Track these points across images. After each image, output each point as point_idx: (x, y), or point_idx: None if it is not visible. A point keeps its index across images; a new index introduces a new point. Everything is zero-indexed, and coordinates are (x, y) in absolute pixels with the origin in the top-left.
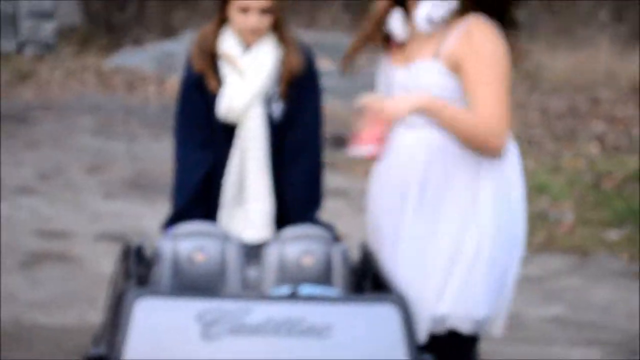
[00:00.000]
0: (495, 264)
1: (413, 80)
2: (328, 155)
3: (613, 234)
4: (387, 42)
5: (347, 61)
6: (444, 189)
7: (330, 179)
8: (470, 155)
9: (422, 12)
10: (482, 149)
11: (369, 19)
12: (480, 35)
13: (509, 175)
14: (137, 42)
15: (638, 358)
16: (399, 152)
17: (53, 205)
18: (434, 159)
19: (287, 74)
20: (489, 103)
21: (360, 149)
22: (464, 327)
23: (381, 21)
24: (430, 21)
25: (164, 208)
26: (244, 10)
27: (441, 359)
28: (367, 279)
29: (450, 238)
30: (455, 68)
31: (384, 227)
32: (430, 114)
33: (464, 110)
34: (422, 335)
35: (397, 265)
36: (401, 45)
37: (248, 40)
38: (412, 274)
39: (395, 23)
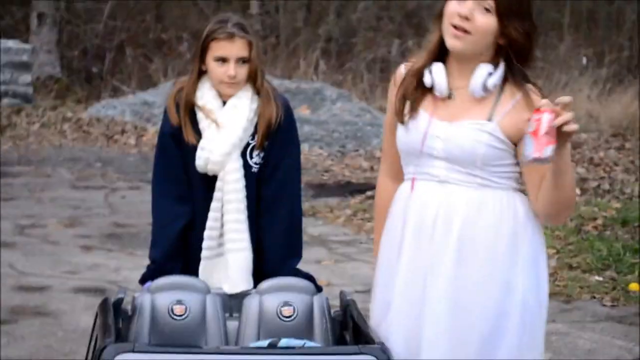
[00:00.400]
0: (542, 316)
1: (458, 135)
2: (308, 202)
3: (595, 279)
4: (421, 94)
5: (400, 117)
6: (483, 256)
7: (311, 227)
8: (509, 217)
9: (479, 79)
10: (570, 211)
11: (409, 75)
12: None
13: (539, 227)
14: (116, 92)
15: None
16: (422, 213)
17: (31, 259)
18: (468, 227)
19: (264, 126)
20: None
21: (546, 150)
22: None
23: (420, 76)
24: (485, 88)
25: (143, 259)
26: (223, 60)
27: None
28: (348, 330)
29: (494, 302)
30: (512, 134)
31: (404, 294)
32: (567, 150)
33: None
34: None
35: (424, 333)
36: (441, 99)
37: (225, 93)
38: (445, 341)
39: (440, 77)
